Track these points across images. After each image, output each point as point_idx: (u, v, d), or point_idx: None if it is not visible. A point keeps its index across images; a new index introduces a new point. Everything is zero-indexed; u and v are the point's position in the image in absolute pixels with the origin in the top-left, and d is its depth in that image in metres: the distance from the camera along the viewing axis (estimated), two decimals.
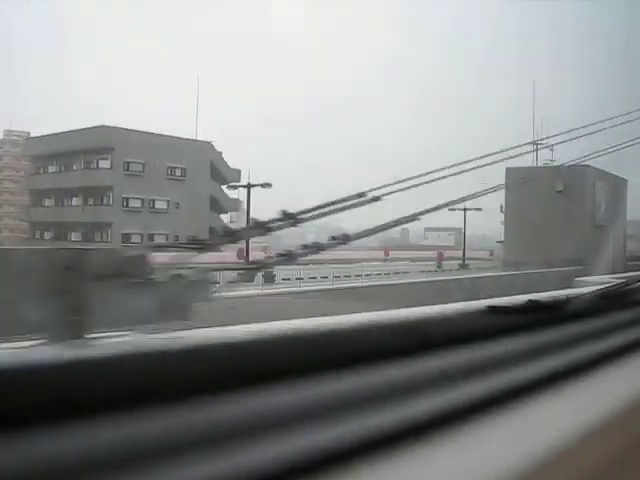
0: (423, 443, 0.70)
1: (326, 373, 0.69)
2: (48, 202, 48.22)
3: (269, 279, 21.44)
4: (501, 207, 40.47)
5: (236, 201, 45.23)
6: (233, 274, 1.86)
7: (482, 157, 2.10)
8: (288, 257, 1.62)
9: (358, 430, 0.66)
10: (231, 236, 2.06)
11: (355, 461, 0.62)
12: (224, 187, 46.08)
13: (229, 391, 0.61)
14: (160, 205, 44.74)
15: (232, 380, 0.62)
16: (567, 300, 1.22)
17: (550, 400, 0.92)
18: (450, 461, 0.70)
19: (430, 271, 35.73)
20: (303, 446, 0.61)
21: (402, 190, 1.75)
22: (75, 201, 46.16)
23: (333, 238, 1.63)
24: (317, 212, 1.57)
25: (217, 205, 47.44)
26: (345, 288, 22.99)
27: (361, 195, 1.62)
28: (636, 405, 1.01)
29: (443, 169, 1.95)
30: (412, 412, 0.73)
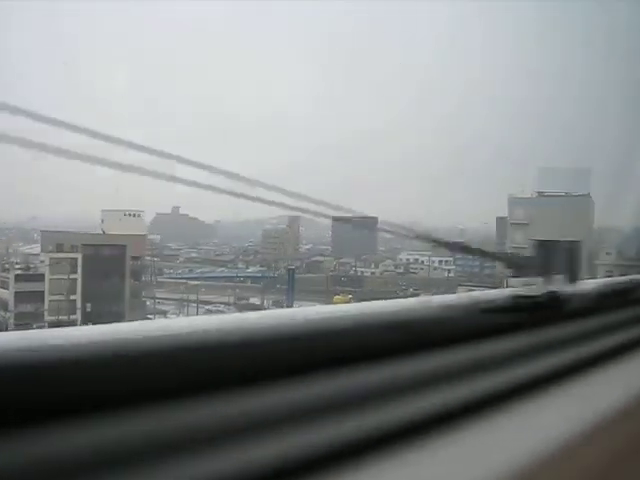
0: (421, 442, 0.70)
1: (319, 372, 0.68)
2: None
3: None
4: None
5: None
6: None
7: None
8: None
9: (353, 430, 0.66)
10: None
11: (351, 461, 0.62)
12: None
13: (227, 391, 0.60)
14: None
15: (229, 380, 0.61)
16: (567, 298, 1.22)
17: (551, 398, 0.92)
18: (451, 460, 0.69)
19: None
20: (298, 446, 0.61)
21: None
22: None
23: None
24: None
25: None
26: None
27: None
28: (636, 404, 1.01)
29: None
30: (412, 411, 0.73)
